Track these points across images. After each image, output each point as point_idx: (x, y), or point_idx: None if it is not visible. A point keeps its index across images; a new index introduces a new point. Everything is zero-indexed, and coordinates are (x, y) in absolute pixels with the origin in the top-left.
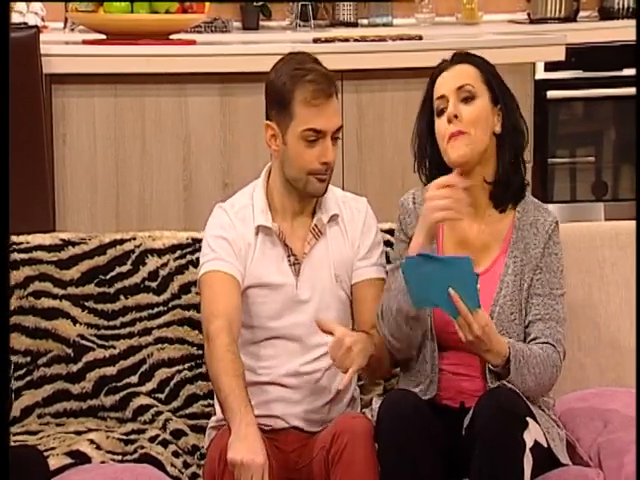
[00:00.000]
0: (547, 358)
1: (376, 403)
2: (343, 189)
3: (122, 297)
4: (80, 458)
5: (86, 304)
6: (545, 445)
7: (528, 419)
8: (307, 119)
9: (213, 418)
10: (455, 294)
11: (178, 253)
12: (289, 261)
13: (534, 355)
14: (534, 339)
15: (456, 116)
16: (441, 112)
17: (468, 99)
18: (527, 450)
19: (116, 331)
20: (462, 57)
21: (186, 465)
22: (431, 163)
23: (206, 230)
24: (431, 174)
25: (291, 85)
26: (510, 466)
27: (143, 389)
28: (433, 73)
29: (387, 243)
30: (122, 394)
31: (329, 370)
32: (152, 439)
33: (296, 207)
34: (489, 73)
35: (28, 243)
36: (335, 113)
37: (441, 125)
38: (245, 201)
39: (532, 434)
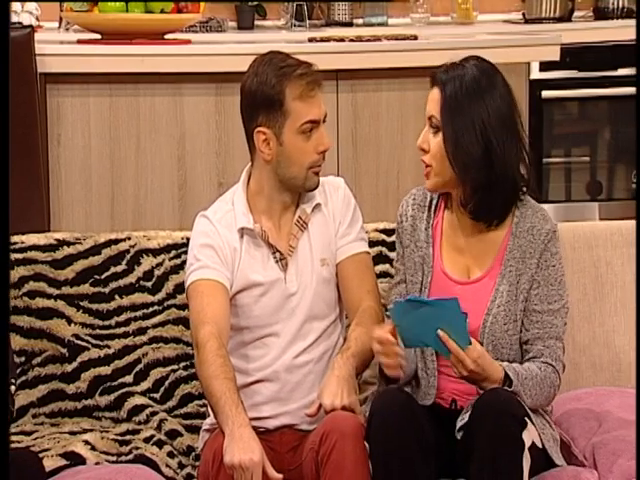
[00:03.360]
0: (545, 378)
1: (370, 401)
2: None
3: (117, 297)
4: (75, 459)
5: (81, 304)
6: (540, 446)
7: (526, 419)
8: (303, 112)
9: (207, 420)
10: (444, 334)
11: (173, 253)
12: (275, 258)
13: (531, 376)
14: (533, 358)
15: (424, 149)
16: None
17: (435, 130)
18: (526, 449)
19: (111, 331)
20: (436, 80)
21: (181, 466)
22: None
23: (191, 240)
24: None
25: (280, 85)
26: (511, 465)
27: (138, 389)
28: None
29: (382, 243)
30: (117, 394)
31: (320, 362)
32: (147, 439)
33: (286, 202)
34: (452, 95)
35: (23, 243)
36: (322, 99)
37: None
38: (226, 207)
39: (530, 434)
